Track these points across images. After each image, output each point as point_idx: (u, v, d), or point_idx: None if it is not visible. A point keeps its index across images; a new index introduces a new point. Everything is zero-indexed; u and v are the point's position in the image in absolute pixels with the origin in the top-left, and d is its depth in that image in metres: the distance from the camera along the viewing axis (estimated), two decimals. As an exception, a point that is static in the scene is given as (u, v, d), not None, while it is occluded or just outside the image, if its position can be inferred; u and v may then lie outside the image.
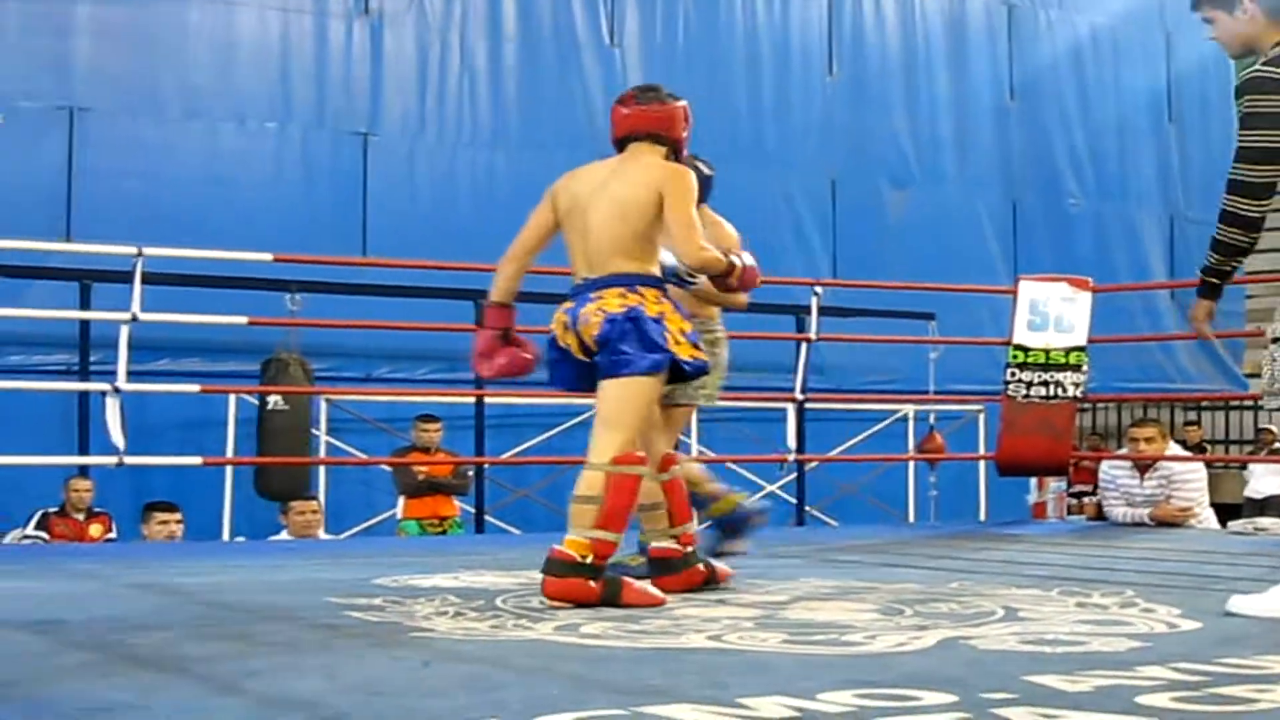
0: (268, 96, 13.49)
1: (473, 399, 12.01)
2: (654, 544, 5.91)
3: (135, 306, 8.97)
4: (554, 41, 14.44)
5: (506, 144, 14.02)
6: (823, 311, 10.84)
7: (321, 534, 10.66)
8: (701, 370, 5.69)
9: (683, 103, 5.98)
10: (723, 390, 13.05)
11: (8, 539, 10.35)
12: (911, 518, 13.56)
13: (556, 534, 5.47)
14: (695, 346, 5.65)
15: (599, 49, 14.57)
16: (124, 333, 8.99)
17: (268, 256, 9.87)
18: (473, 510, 12.07)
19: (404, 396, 12.48)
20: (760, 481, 13.45)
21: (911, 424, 14.10)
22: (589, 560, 5.33)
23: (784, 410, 11.23)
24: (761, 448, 12.70)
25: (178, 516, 10.33)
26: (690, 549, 5.90)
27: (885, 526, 11.65)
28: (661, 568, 5.81)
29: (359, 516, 12.25)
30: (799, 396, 10.73)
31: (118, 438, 8.67)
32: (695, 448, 12.92)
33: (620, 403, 5.52)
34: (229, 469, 11.51)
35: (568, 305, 5.67)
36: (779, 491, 13.49)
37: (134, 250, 9.00)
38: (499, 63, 14.30)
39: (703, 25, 15.26)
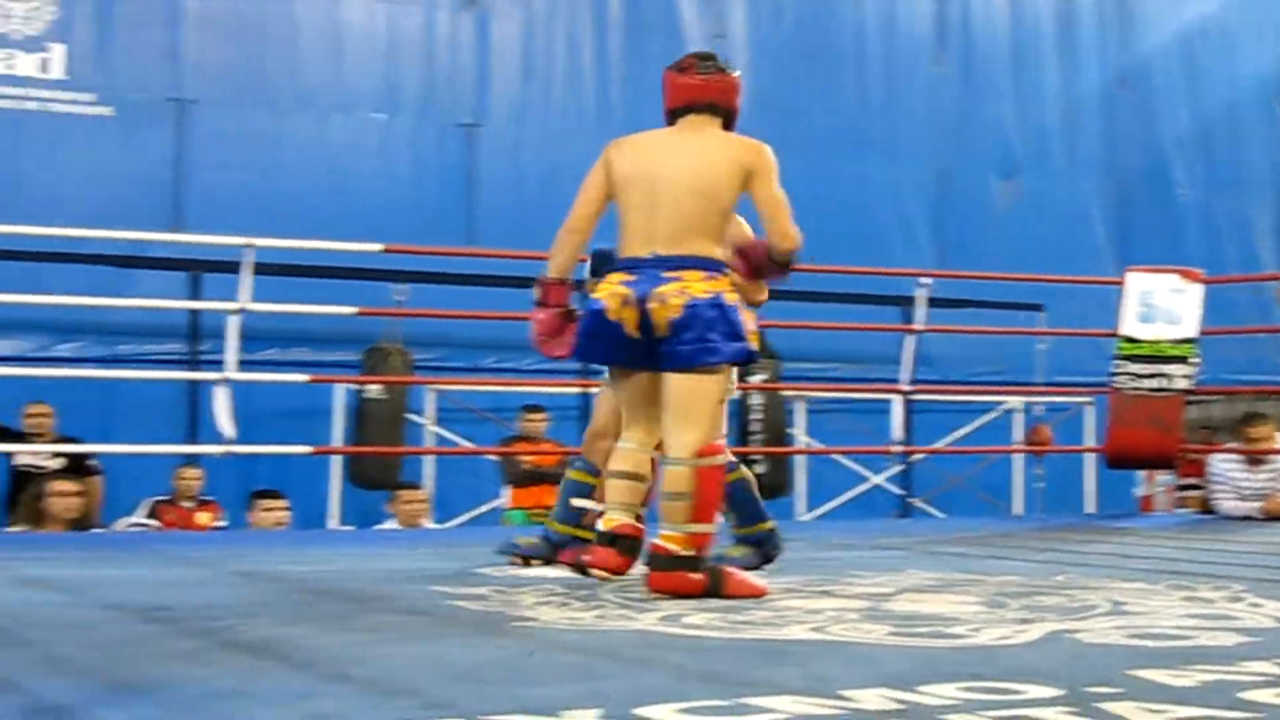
0: (375, 87, 13.56)
1: (578, 389, 12.03)
2: (612, 515, 5.53)
3: (244, 297, 9.05)
4: (660, 31, 14.42)
5: (612, 134, 13.89)
6: (929, 303, 10.80)
7: (428, 523, 10.71)
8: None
9: (739, 73, 5.81)
10: (831, 382, 13.10)
11: (118, 526, 10.46)
12: (1018, 510, 13.48)
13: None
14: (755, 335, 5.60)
15: (705, 39, 14.55)
16: (233, 323, 9.07)
17: (378, 247, 9.94)
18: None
19: (508, 386, 12.51)
20: (866, 473, 13.42)
21: (1019, 416, 14.01)
22: (690, 553, 5.29)
23: (890, 401, 11.19)
24: (868, 439, 12.67)
25: (284, 504, 10.40)
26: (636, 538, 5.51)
27: (991, 518, 11.59)
28: (605, 539, 5.48)
29: (465, 506, 12.30)
30: (906, 388, 10.69)
31: (227, 427, 8.75)
32: (802, 439, 12.90)
33: (700, 393, 5.41)
34: (335, 458, 11.57)
35: (628, 278, 5.45)
36: (885, 483, 13.45)
37: (244, 241, 9.09)
38: (604, 53, 14.30)
39: (810, 14, 15.20)
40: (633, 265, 5.48)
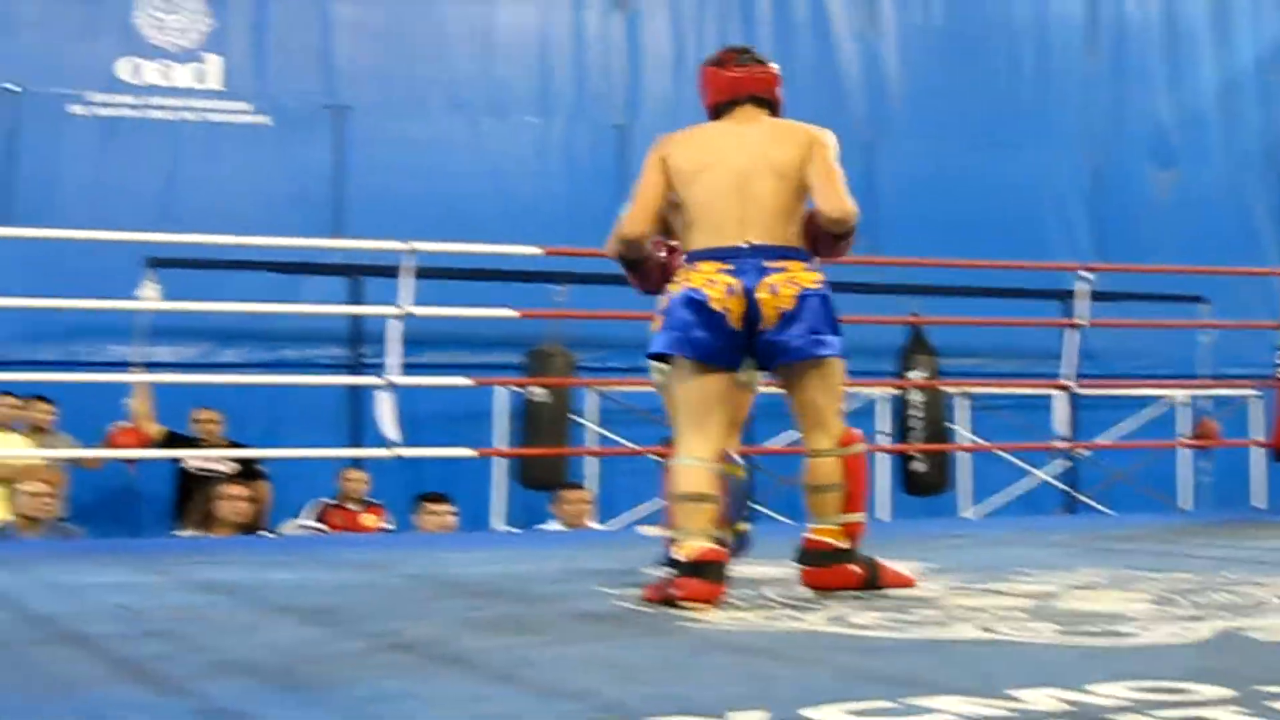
0: (528, 90, 13.59)
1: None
2: (689, 542, 5.16)
3: (405, 301, 9.13)
4: (810, 28, 14.36)
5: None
6: (1098, 297, 10.69)
7: (592, 523, 10.74)
8: None
9: (776, 66, 5.73)
10: (992, 377, 12.96)
11: (285, 529, 10.59)
12: (1185, 505, 13.30)
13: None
14: None
15: (856, 35, 14.49)
16: (394, 327, 9.15)
17: (538, 250, 9.99)
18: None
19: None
20: (1029, 468, 13.30)
21: (1184, 410, 13.82)
22: (846, 545, 5.32)
23: (1050, 397, 11.09)
24: (1029, 435, 12.56)
25: (450, 508, 10.46)
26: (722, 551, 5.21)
27: (1158, 514, 11.46)
28: (693, 570, 5.07)
29: (628, 505, 12.33)
30: (1069, 383, 10.59)
31: (391, 430, 8.82)
32: (964, 435, 12.79)
33: (829, 384, 5.37)
34: (498, 460, 11.63)
35: (725, 267, 5.30)
36: (1049, 478, 13.32)
37: (405, 245, 9.17)
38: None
39: (959, 7, 15.05)
40: (728, 255, 5.33)
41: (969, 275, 12.42)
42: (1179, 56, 15.81)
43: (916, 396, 12.08)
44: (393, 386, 9.07)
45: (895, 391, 12.05)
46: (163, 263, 10.32)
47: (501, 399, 11.72)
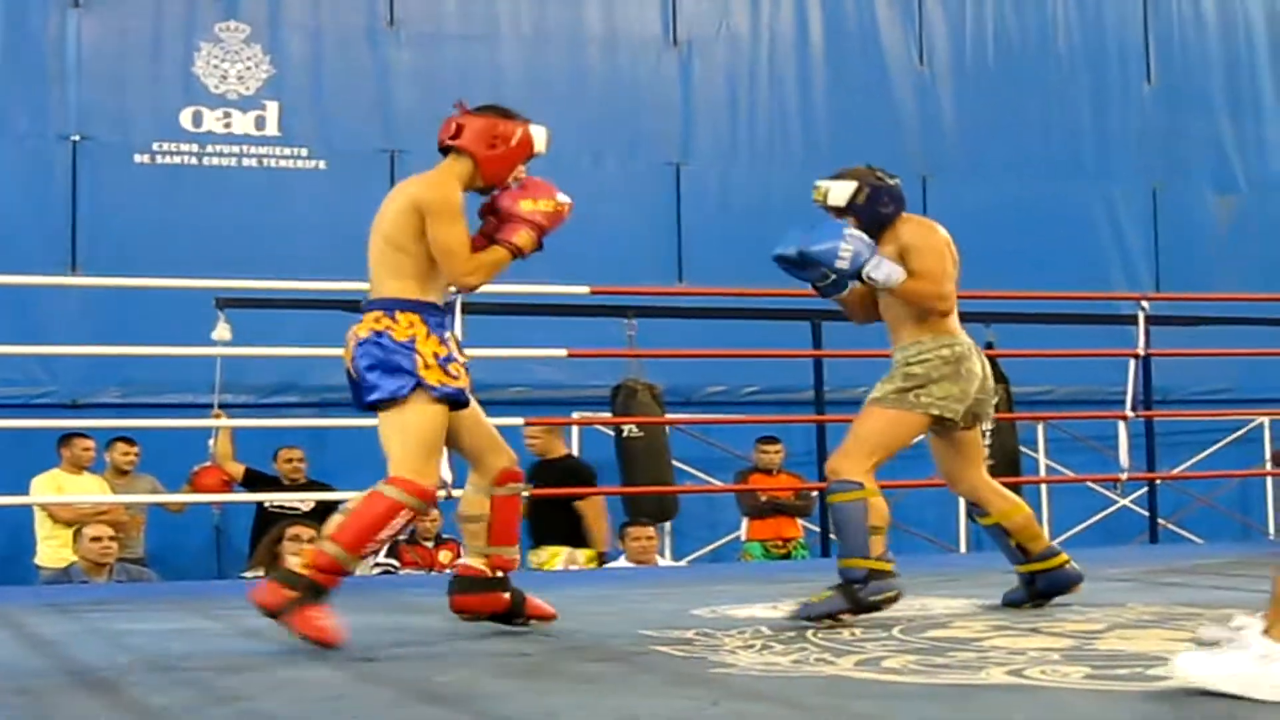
0: (582, 129, 13.46)
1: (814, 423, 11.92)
2: (464, 559, 5.86)
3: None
4: (863, 62, 14.23)
5: (817, 167, 13.78)
6: (1157, 321, 10.56)
7: (660, 559, 10.67)
8: (452, 397, 5.40)
9: (503, 117, 5.86)
10: (1058, 410, 12.78)
11: (359, 568, 10.57)
12: (1274, 531, 13.15)
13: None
14: (445, 371, 5.40)
15: (909, 68, 14.38)
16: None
17: (584, 289, 9.93)
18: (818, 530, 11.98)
19: (749, 421, 12.36)
20: (1112, 496, 13.18)
21: (1268, 432, 13.66)
22: (304, 577, 5.30)
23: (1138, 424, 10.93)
24: (1109, 463, 12.45)
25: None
26: (499, 573, 5.70)
27: (1240, 543, 11.34)
28: (462, 585, 5.72)
29: (704, 538, 12.29)
30: (1129, 413, 10.43)
31: (445, 473, 8.72)
32: (1043, 464, 12.67)
33: (397, 428, 5.40)
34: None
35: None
36: (1132, 505, 13.18)
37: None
38: (808, 86, 14.11)
39: (1014, 39, 14.85)
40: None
41: (1031, 304, 12.26)
42: (1239, 82, 15.57)
43: (985, 425, 11.99)
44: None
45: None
46: (231, 303, 10.34)
47: (574, 439, 11.66)
